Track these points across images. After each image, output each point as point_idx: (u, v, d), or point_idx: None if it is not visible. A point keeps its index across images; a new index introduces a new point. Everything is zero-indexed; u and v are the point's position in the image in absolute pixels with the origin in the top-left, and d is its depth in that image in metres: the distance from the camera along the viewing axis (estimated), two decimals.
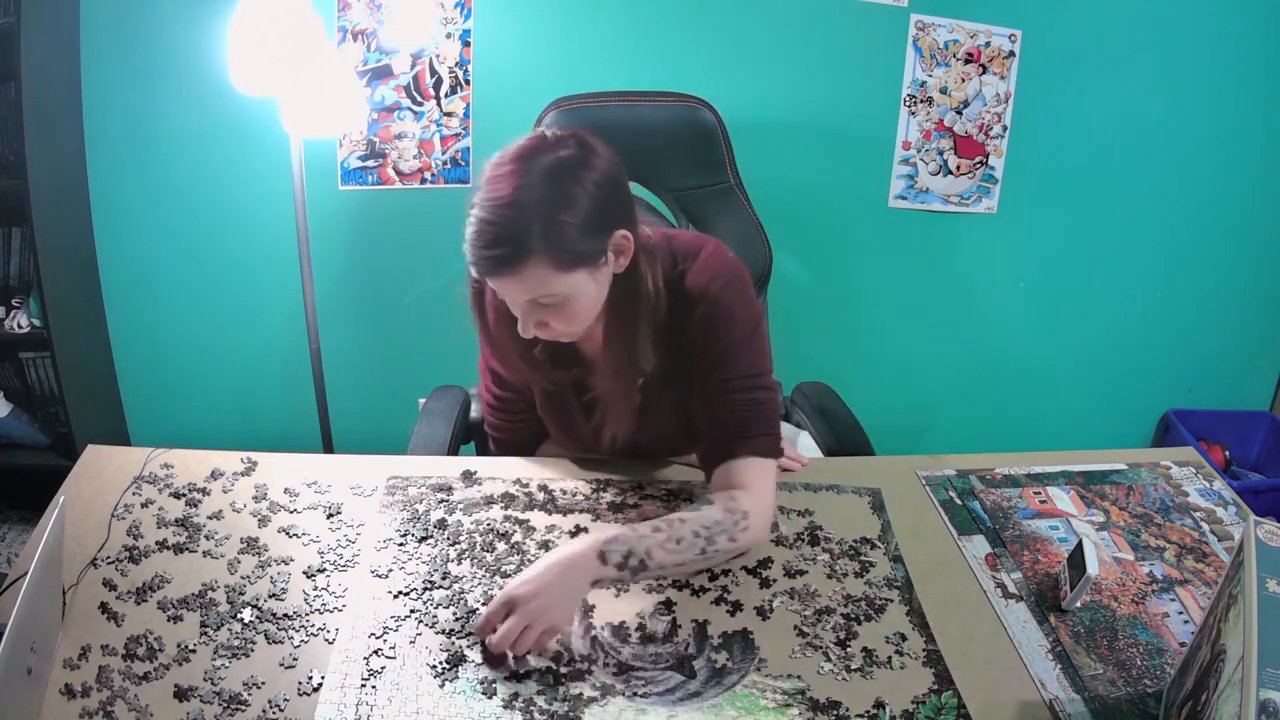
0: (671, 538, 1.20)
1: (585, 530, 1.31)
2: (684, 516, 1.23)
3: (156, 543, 1.26)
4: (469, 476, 1.42)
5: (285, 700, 1.04)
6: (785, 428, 1.71)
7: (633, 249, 1.20)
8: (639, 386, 1.34)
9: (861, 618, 1.20)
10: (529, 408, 1.48)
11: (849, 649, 1.15)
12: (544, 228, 1.11)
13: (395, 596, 1.19)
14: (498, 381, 1.48)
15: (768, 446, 1.30)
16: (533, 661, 1.10)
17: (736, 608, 1.20)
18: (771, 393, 1.32)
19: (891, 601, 1.22)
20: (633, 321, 1.25)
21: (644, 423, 1.39)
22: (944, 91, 2.40)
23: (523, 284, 1.14)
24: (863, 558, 1.30)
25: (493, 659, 1.10)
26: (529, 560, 1.25)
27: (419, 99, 2.32)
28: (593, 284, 1.18)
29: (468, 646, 1.12)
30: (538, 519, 1.34)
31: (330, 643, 1.12)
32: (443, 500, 1.37)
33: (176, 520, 1.30)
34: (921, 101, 2.40)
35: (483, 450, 1.79)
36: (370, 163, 2.37)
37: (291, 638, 1.12)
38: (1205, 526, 1.39)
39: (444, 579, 1.22)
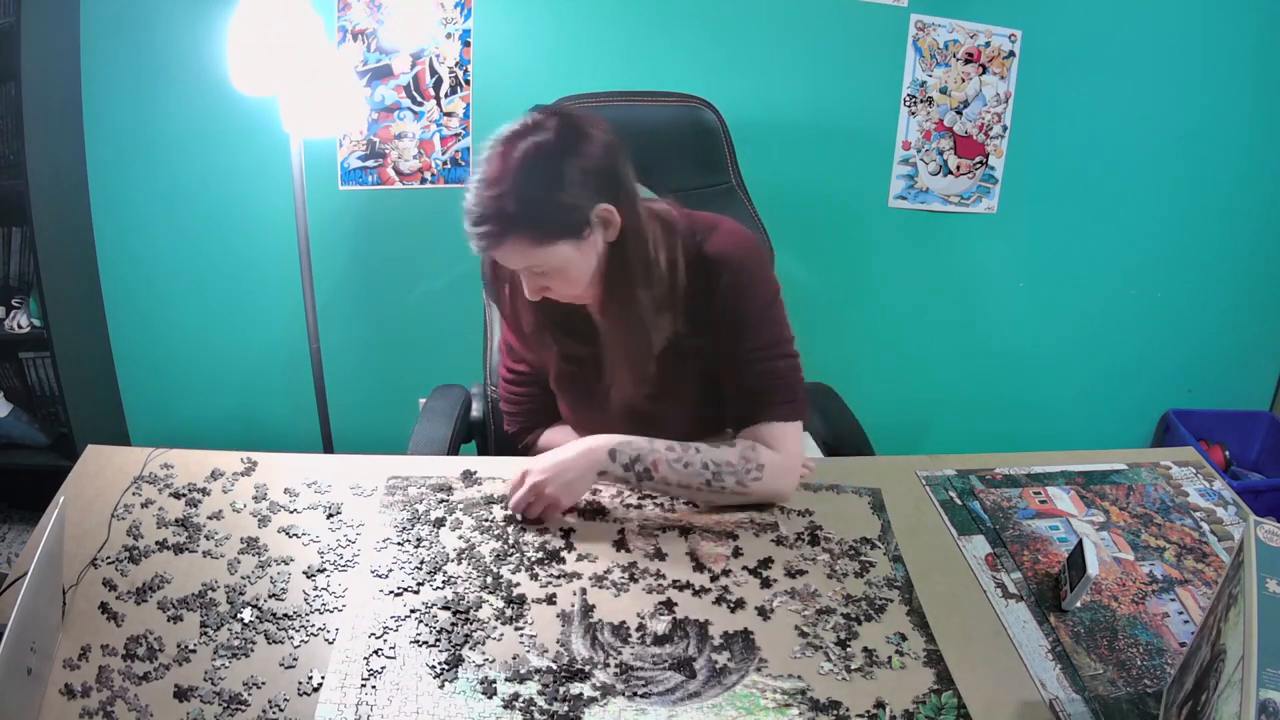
0: (681, 460, 1.32)
1: (574, 531, 1.32)
2: (700, 447, 1.34)
3: (156, 543, 1.26)
4: (469, 476, 1.42)
5: (285, 700, 1.04)
6: None
7: (619, 222, 1.26)
8: (656, 355, 1.37)
9: (862, 618, 1.19)
10: (540, 381, 1.51)
11: (849, 649, 1.15)
12: (517, 207, 1.19)
13: (395, 596, 1.19)
14: (513, 355, 1.52)
15: (791, 410, 1.37)
16: (533, 661, 1.10)
17: (737, 607, 1.20)
18: (792, 360, 1.39)
19: (891, 601, 1.22)
20: (627, 288, 1.31)
21: (661, 391, 1.40)
22: (944, 91, 2.40)
23: (507, 257, 1.25)
24: (863, 558, 1.30)
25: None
26: (527, 560, 1.26)
27: (419, 99, 2.32)
28: (578, 253, 1.25)
29: (468, 648, 1.12)
30: None
31: (330, 643, 1.12)
32: (443, 500, 1.37)
33: (176, 520, 1.30)
34: (921, 101, 2.40)
35: (483, 450, 1.80)
36: (370, 163, 2.37)
37: (291, 638, 1.12)
38: (1205, 526, 1.39)
39: (444, 579, 1.22)
